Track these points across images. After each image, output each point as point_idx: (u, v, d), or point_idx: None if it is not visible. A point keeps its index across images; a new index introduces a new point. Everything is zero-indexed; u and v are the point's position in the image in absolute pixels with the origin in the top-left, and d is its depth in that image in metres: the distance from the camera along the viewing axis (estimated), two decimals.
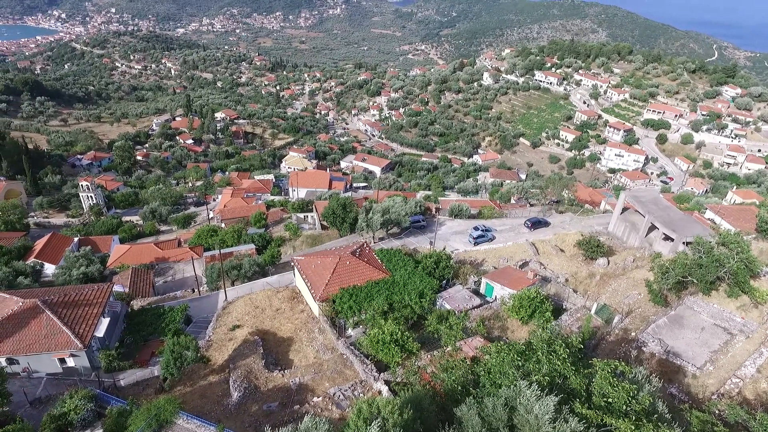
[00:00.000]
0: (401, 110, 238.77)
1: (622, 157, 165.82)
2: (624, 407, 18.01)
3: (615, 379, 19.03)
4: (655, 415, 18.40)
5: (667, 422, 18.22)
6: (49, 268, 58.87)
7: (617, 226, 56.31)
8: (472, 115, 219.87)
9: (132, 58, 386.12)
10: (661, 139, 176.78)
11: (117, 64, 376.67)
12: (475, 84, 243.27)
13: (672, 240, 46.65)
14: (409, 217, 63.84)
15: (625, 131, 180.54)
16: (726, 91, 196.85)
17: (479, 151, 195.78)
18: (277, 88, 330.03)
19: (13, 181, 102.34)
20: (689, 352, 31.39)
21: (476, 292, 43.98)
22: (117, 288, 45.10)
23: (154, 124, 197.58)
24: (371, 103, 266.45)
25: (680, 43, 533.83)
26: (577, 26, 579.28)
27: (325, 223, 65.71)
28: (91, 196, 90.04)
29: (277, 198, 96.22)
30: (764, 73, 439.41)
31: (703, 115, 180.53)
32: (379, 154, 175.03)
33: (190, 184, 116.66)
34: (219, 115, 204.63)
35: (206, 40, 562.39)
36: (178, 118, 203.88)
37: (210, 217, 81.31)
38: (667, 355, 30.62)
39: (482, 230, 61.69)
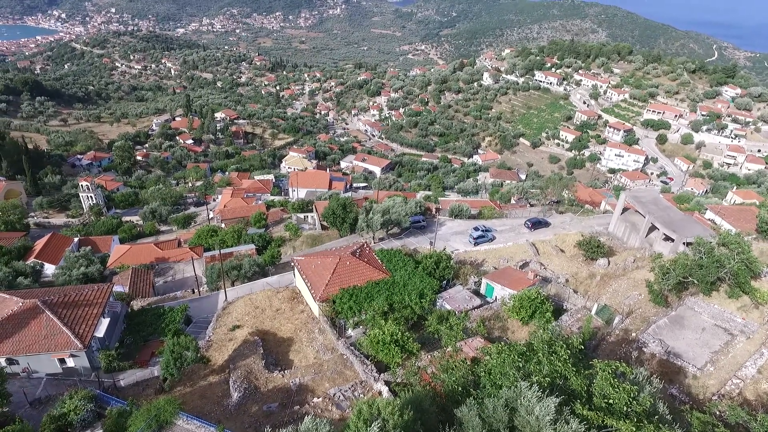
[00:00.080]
0: (401, 110, 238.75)
1: (622, 157, 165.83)
2: (625, 408, 17.98)
3: (616, 380, 19.00)
4: (656, 417, 18.37)
5: (668, 423, 18.18)
6: (49, 269, 58.81)
7: (617, 227, 56.29)
8: (472, 115, 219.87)
9: (132, 58, 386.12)
10: (661, 140, 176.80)
11: (117, 64, 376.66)
12: (475, 84, 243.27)
13: (672, 240, 46.63)
14: (409, 218, 63.81)
15: (625, 131, 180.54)
16: (726, 91, 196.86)
17: (479, 151, 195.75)
18: (277, 88, 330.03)
19: (13, 181, 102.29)
20: (690, 352, 31.35)
21: (476, 293, 43.94)
22: (117, 288, 45.05)
23: (154, 124, 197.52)
24: (371, 103, 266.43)
25: (680, 44, 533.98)
26: (577, 26, 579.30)
27: (325, 223, 65.67)
28: (91, 196, 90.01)
29: (277, 198, 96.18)
30: (764, 73, 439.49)
31: (703, 115, 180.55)
32: (379, 154, 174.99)
33: (190, 184, 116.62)
34: (219, 115, 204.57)
35: (206, 40, 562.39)
36: (178, 118, 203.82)
37: (210, 217, 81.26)
38: (667, 355, 30.59)
39: (482, 230, 61.66)
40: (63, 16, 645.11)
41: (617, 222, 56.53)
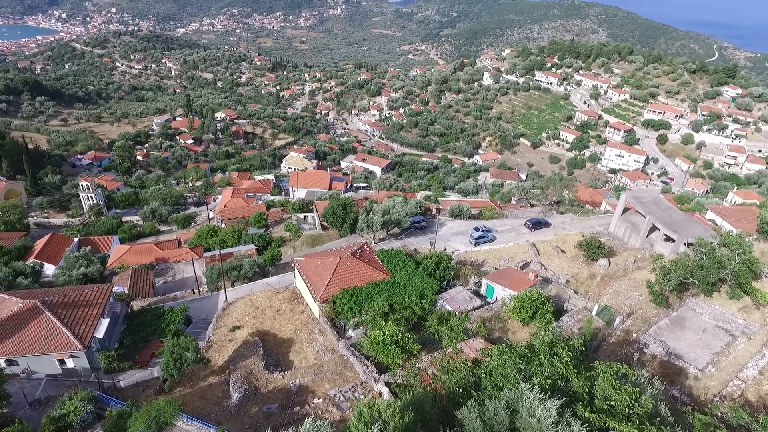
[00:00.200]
0: (401, 110, 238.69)
1: (623, 157, 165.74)
2: (627, 411, 17.91)
3: (618, 382, 18.92)
4: (658, 419, 18.29)
5: (669, 425, 18.11)
6: (49, 269, 58.75)
7: (618, 227, 56.21)
8: (472, 116, 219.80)
9: (132, 58, 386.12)
10: (662, 140, 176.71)
11: (117, 64, 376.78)
12: (476, 84, 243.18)
13: (673, 241, 46.55)
14: (409, 218, 63.73)
15: (625, 131, 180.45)
16: (726, 91, 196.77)
17: (479, 151, 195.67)
18: (278, 88, 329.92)
19: (13, 181, 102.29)
20: (691, 353, 31.26)
21: (477, 293, 43.87)
22: (117, 288, 44.98)
23: (154, 124, 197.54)
24: (371, 103, 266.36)
25: (680, 44, 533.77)
26: (578, 26, 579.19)
27: (325, 223, 65.61)
28: (91, 196, 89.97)
29: (277, 198, 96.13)
30: (764, 73, 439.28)
31: (703, 115, 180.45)
32: (380, 154, 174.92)
33: (190, 184, 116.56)
34: (219, 115, 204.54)
35: (206, 40, 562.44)
36: (178, 118, 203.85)
37: (210, 217, 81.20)
38: (668, 356, 30.51)
39: (483, 231, 61.58)
40: (63, 16, 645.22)
41: (618, 222, 56.45)
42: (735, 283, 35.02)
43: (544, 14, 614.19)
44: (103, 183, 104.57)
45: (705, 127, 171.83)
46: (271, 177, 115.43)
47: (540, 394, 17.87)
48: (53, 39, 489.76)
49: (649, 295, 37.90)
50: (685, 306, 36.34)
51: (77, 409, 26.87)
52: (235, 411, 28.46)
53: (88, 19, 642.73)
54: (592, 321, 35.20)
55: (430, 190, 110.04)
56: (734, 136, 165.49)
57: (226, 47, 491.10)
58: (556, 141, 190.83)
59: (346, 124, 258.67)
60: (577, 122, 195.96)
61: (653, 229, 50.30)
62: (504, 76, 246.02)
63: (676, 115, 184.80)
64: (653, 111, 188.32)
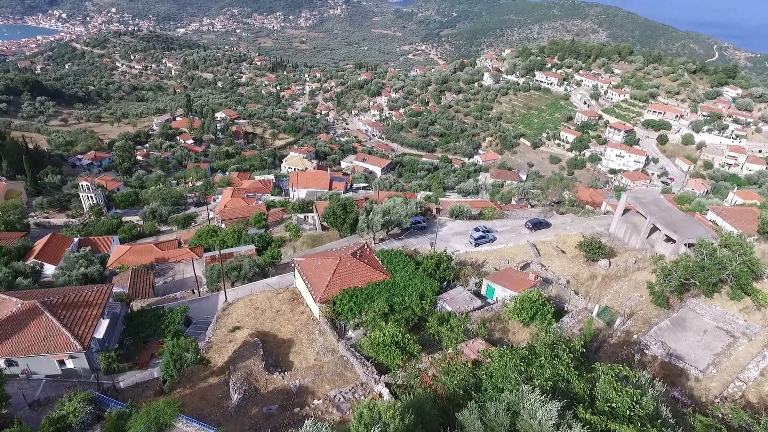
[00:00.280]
0: (401, 110, 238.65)
1: (623, 157, 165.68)
2: (628, 412, 17.84)
3: (619, 383, 18.86)
4: (659, 420, 18.22)
5: (671, 427, 18.04)
6: (49, 269, 58.69)
7: (618, 228, 56.15)
8: (472, 116, 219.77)
9: (132, 58, 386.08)
10: (662, 140, 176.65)
11: (117, 64, 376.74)
12: (476, 84, 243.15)
13: (674, 241, 46.49)
14: (409, 218, 63.67)
15: (625, 132, 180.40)
16: (726, 91, 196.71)
17: (480, 151, 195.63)
18: (278, 88, 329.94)
19: (13, 181, 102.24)
20: (692, 354, 31.21)
21: (477, 294, 43.79)
22: (117, 289, 44.94)
23: (154, 124, 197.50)
24: (371, 103, 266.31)
25: (681, 44, 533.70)
26: (578, 26, 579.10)
27: (325, 223, 65.55)
28: (91, 196, 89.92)
29: (277, 198, 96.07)
30: (765, 73, 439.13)
31: (703, 115, 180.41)
32: (380, 154, 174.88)
33: (191, 184, 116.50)
34: (219, 115, 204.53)
35: (207, 40, 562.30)
36: (178, 118, 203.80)
37: (210, 217, 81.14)
38: (669, 357, 30.45)
39: (483, 231, 61.51)
40: (63, 16, 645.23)
41: (618, 223, 56.39)
42: (736, 284, 34.96)
43: (544, 14, 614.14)
44: (103, 183, 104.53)
45: (705, 128, 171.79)
46: (271, 177, 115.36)
47: (541, 395, 17.79)
48: (53, 39, 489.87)
49: (649, 295, 37.85)
50: (685, 307, 36.29)
51: (77, 410, 26.83)
52: (234, 412, 28.41)
53: (88, 19, 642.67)
54: (592, 322, 35.15)
55: (430, 190, 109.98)
56: (734, 137, 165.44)
57: (226, 47, 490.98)
58: (557, 141, 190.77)
59: (346, 124, 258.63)
60: (578, 122, 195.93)
61: (654, 229, 50.24)
62: (504, 76, 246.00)
63: (677, 116, 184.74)
64: (653, 111, 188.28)
